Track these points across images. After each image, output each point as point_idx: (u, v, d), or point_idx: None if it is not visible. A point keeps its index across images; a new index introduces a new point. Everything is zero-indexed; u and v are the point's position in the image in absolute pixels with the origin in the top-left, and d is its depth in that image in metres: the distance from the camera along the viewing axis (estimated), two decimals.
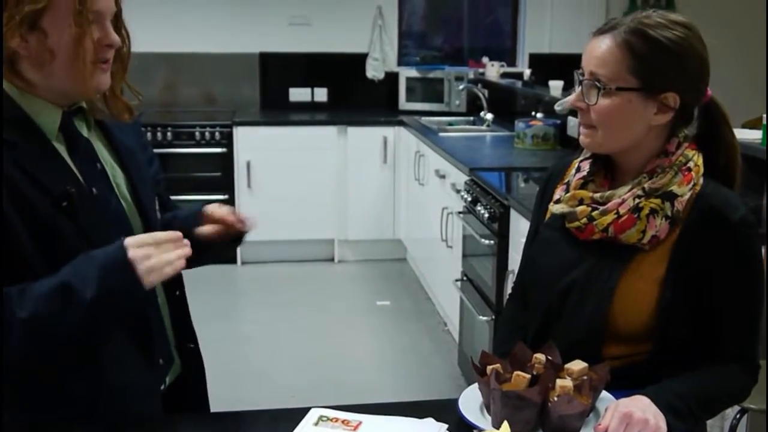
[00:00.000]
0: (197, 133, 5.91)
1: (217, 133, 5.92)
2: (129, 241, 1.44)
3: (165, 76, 6.44)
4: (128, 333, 1.59)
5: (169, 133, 5.87)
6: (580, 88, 1.60)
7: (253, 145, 5.93)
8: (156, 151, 6.45)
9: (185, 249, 1.47)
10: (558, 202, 1.70)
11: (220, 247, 1.79)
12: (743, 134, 3.11)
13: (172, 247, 1.46)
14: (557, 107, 4.41)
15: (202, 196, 5.95)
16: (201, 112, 6.38)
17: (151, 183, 1.74)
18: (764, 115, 2.91)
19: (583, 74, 1.60)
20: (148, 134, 5.84)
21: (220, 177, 5.98)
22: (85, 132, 1.60)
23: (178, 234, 1.49)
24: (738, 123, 4.01)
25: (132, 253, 1.42)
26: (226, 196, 5.98)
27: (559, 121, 4.73)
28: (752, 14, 6.46)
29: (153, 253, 1.44)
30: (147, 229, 1.64)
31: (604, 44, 1.57)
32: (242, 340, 4.76)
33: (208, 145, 5.93)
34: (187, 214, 1.81)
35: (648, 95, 1.56)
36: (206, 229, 1.71)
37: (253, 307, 5.41)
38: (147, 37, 6.35)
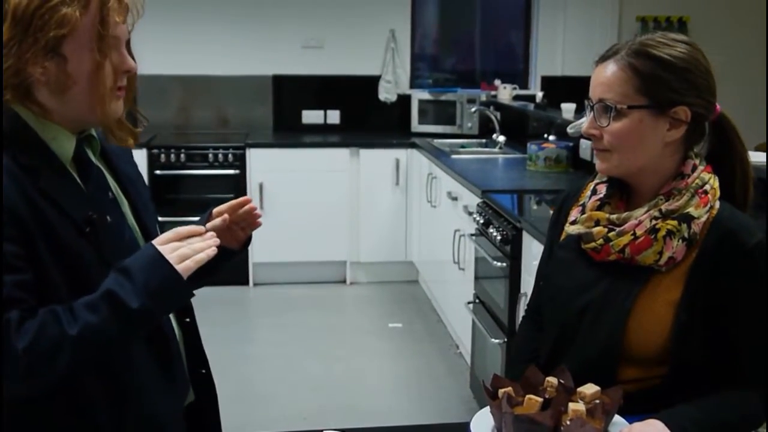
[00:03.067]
0: (210, 155, 5.93)
1: (230, 155, 5.95)
2: (155, 240, 1.45)
3: (179, 98, 6.49)
4: (151, 357, 1.57)
5: (182, 155, 5.90)
6: (591, 114, 1.61)
7: (266, 166, 5.95)
8: (169, 172, 6.47)
9: (212, 239, 1.48)
10: (574, 223, 1.70)
11: (228, 253, 1.78)
12: (756, 157, 3.10)
13: (198, 239, 1.47)
14: (570, 130, 4.43)
15: None
16: (214, 134, 6.42)
17: (152, 209, 1.74)
18: None
19: (592, 102, 1.61)
20: (162, 156, 5.87)
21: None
22: (93, 159, 1.58)
23: (200, 228, 1.50)
24: (750, 147, 4.00)
25: (160, 247, 1.43)
26: None
27: (571, 144, 4.74)
28: (763, 40, 6.45)
29: (180, 245, 1.45)
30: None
31: (608, 70, 1.59)
32: (254, 361, 4.76)
33: (221, 166, 5.95)
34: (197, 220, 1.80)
35: (658, 112, 1.57)
36: (215, 222, 1.71)
37: (265, 328, 5.41)
38: (161, 59, 6.46)
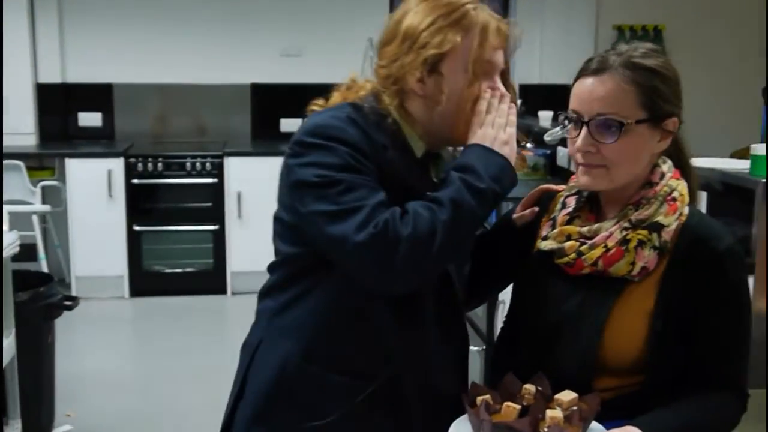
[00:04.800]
0: (188, 164, 5.92)
1: (208, 164, 5.93)
2: (473, 139, 1.59)
3: (156, 107, 6.47)
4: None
5: (159, 164, 5.88)
6: (585, 131, 1.56)
7: (244, 175, 5.93)
8: (146, 181, 6.44)
9: (506, 104, 1.61)
10: (546, 238, 1.70)
11: None
12: (732, 164, 3.13)
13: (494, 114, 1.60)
14: (547, 138, 4.44)
15: (192, 226, 5.97)
16: (192, 142, 6.40)
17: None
18: (752, 146, 2.93)
19: (581, 118, 1.57)
20: (139, 165, 5.84)
21: (211, 207, 5.98)
22: (432, 176, 1.69)
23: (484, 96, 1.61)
24: (725, 154, 4.04)
25: (482, 141, 1.57)
26: (216, 227, 5.98)
27: (548, 151, 4.76)
28: (738, 48, 6.53)
29: (492, 131, 1.58)
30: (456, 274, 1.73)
31: (607, 83, 1.55)
32: (232, 369, 4.72)
33: (198, 175, 5.93)
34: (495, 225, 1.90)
35: (655, 125, 1.57)
36: (527, 214, 1.79)
37: (244, 337, 5.37)
38: (139, 68, 6.43)
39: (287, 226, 1.65)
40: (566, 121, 1.62)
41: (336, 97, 1.72)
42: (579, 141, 1.57)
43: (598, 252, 1.59)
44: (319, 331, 1.63)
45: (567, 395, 1.51)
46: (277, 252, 1.72)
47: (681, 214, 1.61)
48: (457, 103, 1.58)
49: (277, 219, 1.70)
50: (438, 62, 1.57)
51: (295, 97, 6.56)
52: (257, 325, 1.76)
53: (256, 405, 1.69)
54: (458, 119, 1.60)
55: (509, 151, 1.58)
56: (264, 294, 1.76)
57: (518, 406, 1.49)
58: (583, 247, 1.61)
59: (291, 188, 1.60)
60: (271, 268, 1.76)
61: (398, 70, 1.59)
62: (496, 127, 1.58)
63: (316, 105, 1.73)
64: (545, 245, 1.68)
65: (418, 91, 1.60)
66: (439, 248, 1.47)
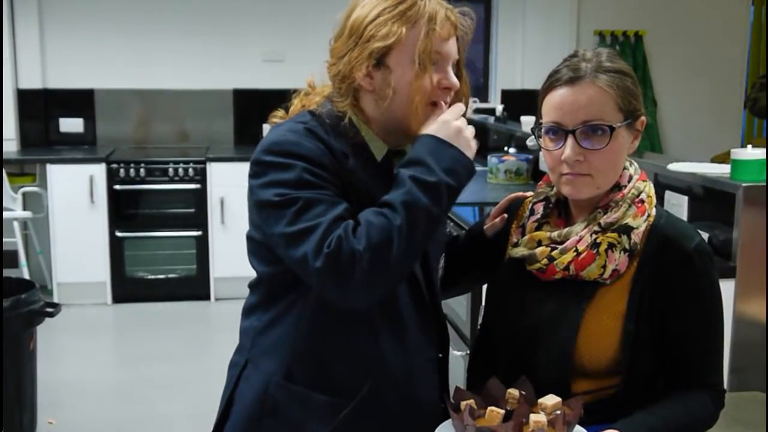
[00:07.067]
0: (171, 170, 5.90)
1: (190, 170, 5.92)
2: (427, 130, 1.56)
3: (138, 113, 6.45)
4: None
5: (142, 170, 5.86)
6: (571, 140, 1.55)
7: (227, 181, 5.92)
8: (129, 187, 6.39)
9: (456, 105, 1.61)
10: (516, 245, 1.71)
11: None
12: (712, 169, 3.15)
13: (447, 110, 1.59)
14: (529, 143, 4.46)
15: (175, 232, 5.95)
16: (174, 148, 6.38)
17: (441, 241, 1.78)
18: (732, 150, 2.95)
19: (565, 128, 1.56)
20: (121, 170, 5.82)
21: (194, 213, 5.97)
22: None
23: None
24: (705, 158, 4.07)
25: (436, 134, 1.55)
26: (199, 233, 5.96)
27: (531, 156, 4.78)
28: (718, 54, 6.58)
29: (443, 122, 1.56)
30: (426, 277, 1.70)
31: (588, 90, 1.55)
32: (216, 376, 4.71)
33: (181, 181, 5.91)
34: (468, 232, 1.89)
35: (630, 126, 1.59)
36: (497, 222, 1.81)
37: (227, 343, 5.33)
38: (120, 73, 6.40)
39: (259, 245, 1.62)
40: (550, 133, 1.60)
41: (296, 105, 1.71)
42: (567, 151, 1.56)
43: (569, 256, 1.60)
44: (300, 348, 1.62)
45: (550, 399, 1.52)
46: (254, 270, 1.69)
47: (649, 216, 1.63)
48: (407, 96, 1.56)
49: (249, 238, 1.66)
50: (384, 55, 1.54)
51: (277, 102, 6.55)
52: (242, 345, 1.74)
53: (242, 427, 1.68)
54: (409, 112, 1.57)
55: (464, 143, 1.56)
56: (247, 312, 1.73)
57: (502, 411, 1.49)
58: (554, 252, 1.62)
59: (256, 208, 1.57)
60: (251, 286, 1.72)
61: (345, 66, 1.57)
62: (449, 117, 1.57)
63: (276, 117, 1.71)
64: (516, 252, 1.69)
65: (367, 86, 1.58)
66: (397, 254, 1.45)
